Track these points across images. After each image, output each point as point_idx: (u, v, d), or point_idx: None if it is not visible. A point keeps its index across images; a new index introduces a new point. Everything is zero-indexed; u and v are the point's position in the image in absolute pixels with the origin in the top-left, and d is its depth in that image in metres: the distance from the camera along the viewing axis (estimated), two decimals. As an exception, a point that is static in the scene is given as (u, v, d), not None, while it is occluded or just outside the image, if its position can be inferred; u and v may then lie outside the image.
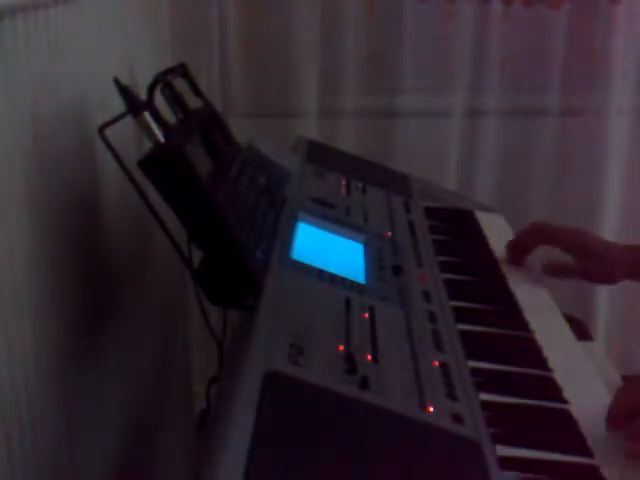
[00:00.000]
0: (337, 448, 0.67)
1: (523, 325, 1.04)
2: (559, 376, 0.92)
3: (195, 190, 0.85)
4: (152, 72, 0.98)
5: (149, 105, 0.92)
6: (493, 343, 0.98)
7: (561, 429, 0.82)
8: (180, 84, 1.08)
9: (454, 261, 1.21)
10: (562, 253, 1.25)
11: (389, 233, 1.21)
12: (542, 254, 1.27)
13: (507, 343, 0.99)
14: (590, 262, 1.23)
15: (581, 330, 1.17)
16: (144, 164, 0.84)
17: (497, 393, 0.86)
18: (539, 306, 1.12)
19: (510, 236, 1.39)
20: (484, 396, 0.85)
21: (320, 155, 1.48)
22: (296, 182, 1.27)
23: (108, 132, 0.87)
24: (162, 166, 0.85)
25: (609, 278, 1.27)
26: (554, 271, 1.24)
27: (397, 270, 1.07)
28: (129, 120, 0.92)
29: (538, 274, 1.23)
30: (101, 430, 1.09)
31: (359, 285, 0.98)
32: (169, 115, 1.00)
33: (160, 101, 0.98)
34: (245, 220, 0.95)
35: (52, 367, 0.87)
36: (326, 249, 1.09)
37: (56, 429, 0.89)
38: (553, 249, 1.26)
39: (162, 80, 0.99)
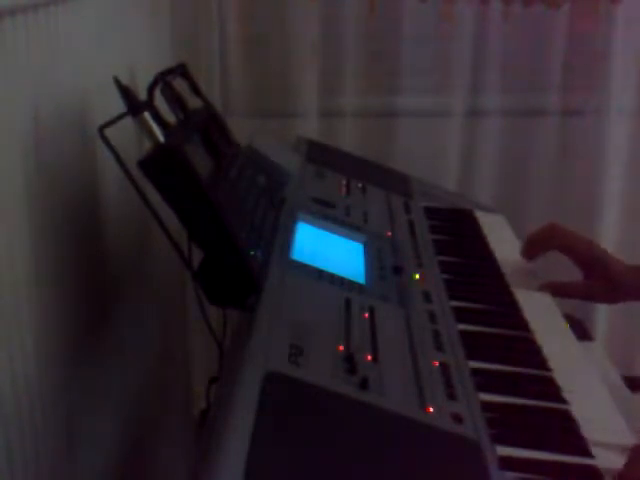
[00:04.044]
0: (337, 448, 0.67)
1: (523, 325, 1.04)
2: (559, 376, 0.92)
3: (195, 190, 0.85)
4: (152, 72, 0.98)
5: (149, 105, 0.92)
6: (493, 343, 0.98)
7: (561, 429, 0.82)
8: (180, 84, 1.08)
9: (454, 261, 1.21)
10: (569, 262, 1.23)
11: (389, 233, 1.21)
12: (548, 262, 1.26)
13: (507, 343, 0.99)
14: (599, 279, 1.20)
15: (581, 330, 1.17)
16: (144, 164, 0.84)
17: (497, 393, 0.86)
18: (539, 306, 1.12)
19: (510, 236, 1.39)
20: (484, 396, 0.85)
21: (320, 155, 1.48)
22: (296, 182, 1.27)
23: (108, 132, 0.87)
24: (162, 166, 0.85)
25: (614, 298, 1.23)
26: (553, 291, 1.19)
27: (397, 270, 1.07)
28: (129, 120, 0.92)
29: (538, 274, 1.23)
30: (101, 430, 1.09)
31: (359, 285, 0.98)
32: (169, 115, 1.00)
33: (160, 101, 0.98)
34: (245, 220, 0.95)
35: (52, 367, 0.87)
36: (326, 249, 1.09)
37: (56, 429, 0.89)
38: (558, 256, 1.24)
39: (162, 80, 0.99)
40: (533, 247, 1.24)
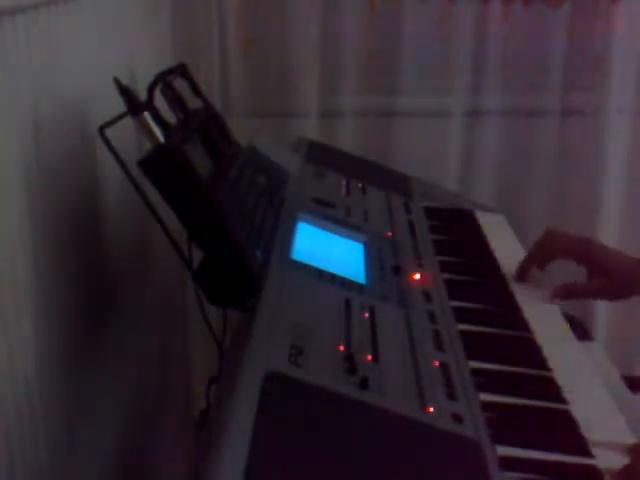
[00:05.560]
0: (337, 448, 0.67)
1: (523, 325, 1.04)
2: (559, 376, 0.92)
3: (195, 190, 0.85)
4: (152, 72, 0.98)
5: (149, 105, 0.92)
6: (493, 343, 0.98)
7: (561, 429, 0.82)
8: (180, 84, 1.08)
9: (454, 261, 1.21)
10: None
11: (389, 233, 1.21)
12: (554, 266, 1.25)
13: (507, 343, 0.99)
14: (605, 277, 1.18)
15: (581, 330, 1.17)
16: (144, 164, 0.84)
17: (497, 393, 0.86)
18: (539, 306, 1.12)
19: (510, 236, 1.39)
20: (484, 396, 0.85)
21: (320, 155, 1.48)
22: (296, 182, 1.27)
23: (108, 132, 0.87)
24: (162, 166, 0.85)
25: (623, 294, 1.21)
26: (563, 295, 1.17)
27: (397, 270, 1.07)
28: (129, 120, 0.92)
29: (538, 274, 1.23)
30: (101, 430, 1.08)
31: (359, 285, 0.98)
32: (169, 115, 1.00)
33: (160, 101, 0.98)
34: (245, 220, 0.95)
35: (52, 367, 0.87)
36: (326, 249, 1.09)
37: (56, 429, 0.89)
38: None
39: (162, 80, 0.99)
40: (534, 260, 1.22)
